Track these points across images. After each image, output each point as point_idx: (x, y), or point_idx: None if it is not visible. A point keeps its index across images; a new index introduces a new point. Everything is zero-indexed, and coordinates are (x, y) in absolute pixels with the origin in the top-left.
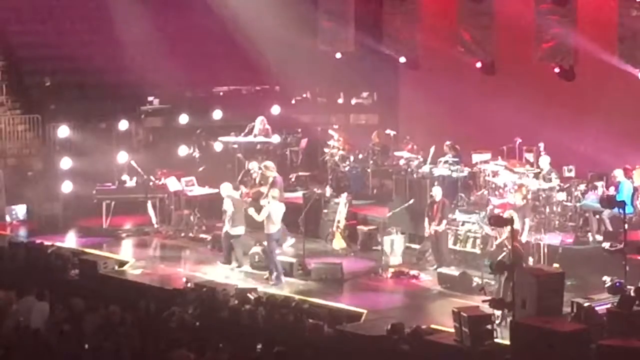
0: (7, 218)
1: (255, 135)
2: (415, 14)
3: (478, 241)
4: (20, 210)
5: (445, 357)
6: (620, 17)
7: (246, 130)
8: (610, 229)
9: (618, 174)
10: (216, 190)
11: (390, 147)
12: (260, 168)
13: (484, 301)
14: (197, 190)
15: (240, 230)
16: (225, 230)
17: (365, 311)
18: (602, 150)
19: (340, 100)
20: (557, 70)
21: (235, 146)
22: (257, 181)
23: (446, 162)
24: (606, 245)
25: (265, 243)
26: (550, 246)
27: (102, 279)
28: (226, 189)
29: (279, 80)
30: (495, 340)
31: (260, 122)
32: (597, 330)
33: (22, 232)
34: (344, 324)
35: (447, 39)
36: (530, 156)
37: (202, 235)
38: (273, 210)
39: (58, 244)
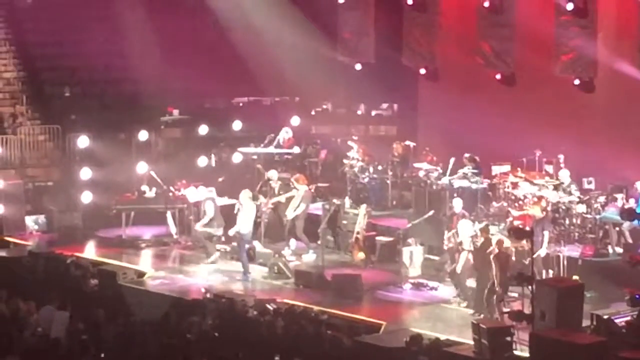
0: (27, 228)
1: (278, 144)
2: (435, 25)
3: None
4: (40, 220)
5: None
6: None
7: (266, 141)
8: (630, 241)
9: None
10: (235, 201)
11: (410, 159)
12: (279, 179)
13: (503, 313)
14: (217, 201)
15: (220, 231)
16: (208, 231)
17: (384, 323)
18: (622, 163)
19: (360, 112)
20: (577, 82)
21: (255, 157)
22: (276, 191)
23: (465, 173)
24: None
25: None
26: (570, 258)
27: (121, 289)
28: (206, 191)
29: (298, 91)
30: (515, 352)
31: (285, 133)
32: (616, 342)
33: (42, 242)
34: (363, 336)
35: (467, 50)
36: (550, 168)
37: (221, 246)
38: (245, 211)
39: (77, 254)
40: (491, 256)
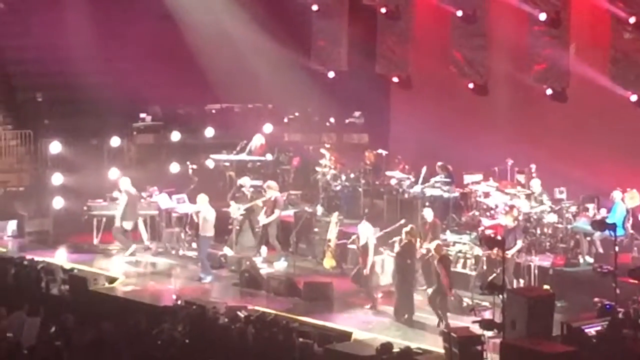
0: None
1: (250, 151)
2: (409, 33)
3: (469, 262)
4: (10, 225)
5: None
6: (612, 39)
7: (238, 148)
8: (601, 251)
9: (616, 195)
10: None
11: (382, 167)
12: (251, 186)
13: (474, 322)
14: (188, 208)
15: (130, 225)
16: (122, 225)
17: (354, 331)
18: (594, 173)
19: (332, 119)
20: (549, 92)
21: (227, 164)
22: (249, 197)
23: (437, 182)
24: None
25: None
26: (541, 268)
27: (92, 295)
28: (125, 183)
29: (271, 99)
30: None
31: (258, 139)
32: (586, 352)
33: (13, 248)
34: (334, 344)
35: (440, 59)
36: (521, 177)
37: (192, 253)
38: (207, 215)
39: (48, 259)
40: (435, 262)
